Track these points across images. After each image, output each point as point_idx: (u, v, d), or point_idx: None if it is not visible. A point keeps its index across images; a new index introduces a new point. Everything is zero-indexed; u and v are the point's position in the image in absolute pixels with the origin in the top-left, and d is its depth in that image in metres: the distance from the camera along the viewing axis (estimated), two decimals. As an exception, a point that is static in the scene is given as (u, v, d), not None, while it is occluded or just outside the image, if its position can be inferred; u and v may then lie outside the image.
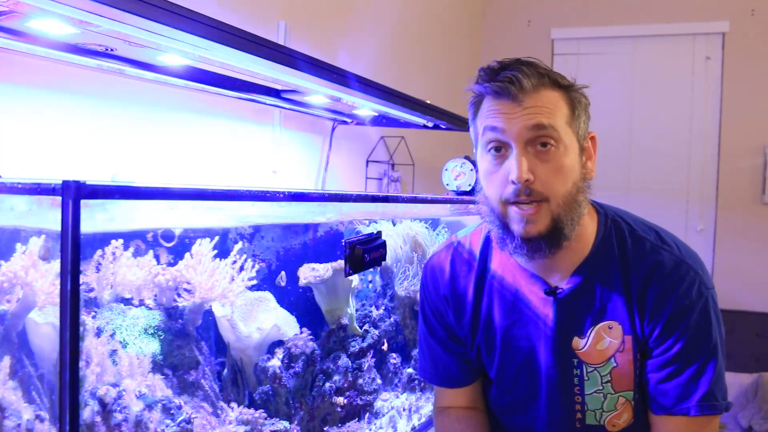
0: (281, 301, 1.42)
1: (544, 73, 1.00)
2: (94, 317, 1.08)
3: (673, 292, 1.04)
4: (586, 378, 1.10)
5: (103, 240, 1.07)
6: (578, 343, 1.09)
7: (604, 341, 1.08)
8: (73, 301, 0.73)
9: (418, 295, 1.34)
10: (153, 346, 1.16)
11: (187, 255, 1.19)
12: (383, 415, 1.56)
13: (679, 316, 1.04)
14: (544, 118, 0.97)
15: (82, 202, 0.73)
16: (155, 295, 1.19)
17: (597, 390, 1.10)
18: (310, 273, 1.45)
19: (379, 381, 1.58)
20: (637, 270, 1.06)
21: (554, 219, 0.99)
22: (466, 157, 2.13)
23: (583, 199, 1.03)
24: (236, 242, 1.29)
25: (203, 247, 1.20)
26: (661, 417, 1.07)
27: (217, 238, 1.22)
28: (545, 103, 0.98)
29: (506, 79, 0.98)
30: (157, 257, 1.18)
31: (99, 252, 1.07)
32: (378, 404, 1.56)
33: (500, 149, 1.00)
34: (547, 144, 0.98)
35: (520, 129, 0.97)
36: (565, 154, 1.00)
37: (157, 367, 1.14)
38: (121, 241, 1.09)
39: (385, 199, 1.59)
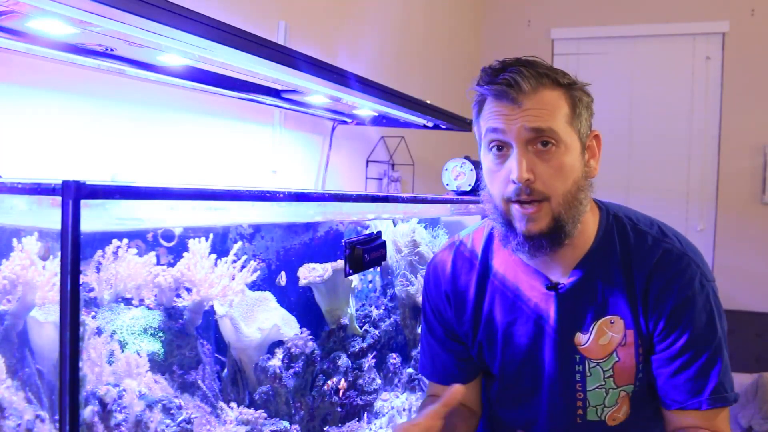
0: (281, 301, 1.42)
1: (544, 72, 1.01)
2: (94, 317, 1.08)
3: (675, 285, 1.05)
4: (588, 374, 1.11)
5: (103, 240, 1.07)
6: (580, 338, 1.10)
7: (606, 336, 1.09)
8: (73, 301, 0.73)
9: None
10: (153, 346, 1.16)
11: (187, 254, 1.20)
12: (383, 415, 1.56)
13: (682, 308, 1.05)
14: (543, 121, 0.99)
15: (82, 202, 0.73)
16: (155, 295, 1.19)
17: (599, 385, 1.11)
18: (310, 273, 1.45)
19: (378, 381, 1.58)
20: (640, 264, 1.07)
21: (555, 218, 1.01)
22: (466, 157, 2.13)
23: (585, 197, 1.05)
24: (236, 242, 1.29)
25: (203, 247, 1.21)
26: (673, 412, 1.08)
27: (211, 236, 1.22)
28: (544, 104, 0.99)
29: (505, 81, 0.99)
30: (157, 257, 1.18)
31: (99, 252, 1.07)
32: (378, 404, 1.56)
33: (502, 148, 1.02)
34: (548, 143, 1.00)
35: (519, 130, 0.99)
36: (566, 153, 1.01)
37: (156, 366, 1.14)
38: (125, 240, 1.09)
39: (385, 199, 1.59)
